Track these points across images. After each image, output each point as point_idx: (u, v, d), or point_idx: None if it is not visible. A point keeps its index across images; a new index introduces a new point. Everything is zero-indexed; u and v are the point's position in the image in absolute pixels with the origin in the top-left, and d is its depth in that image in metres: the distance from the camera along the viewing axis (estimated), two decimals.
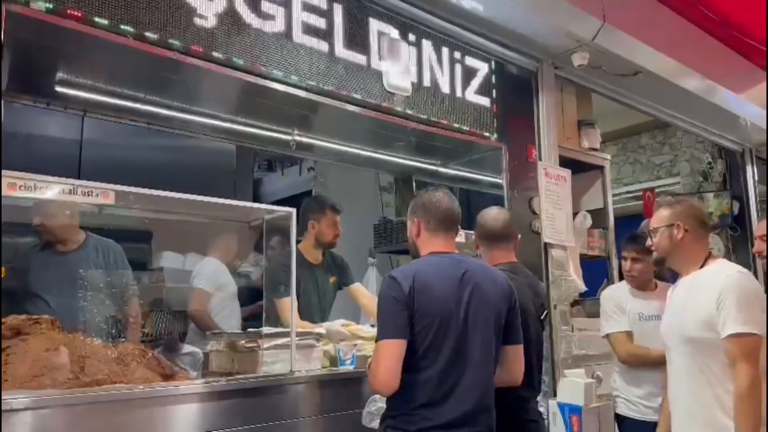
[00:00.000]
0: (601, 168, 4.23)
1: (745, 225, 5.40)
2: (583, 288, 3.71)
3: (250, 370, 2.42)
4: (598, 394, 3.48)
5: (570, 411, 3.07)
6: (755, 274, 5.24)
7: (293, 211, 2.44)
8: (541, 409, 2.77)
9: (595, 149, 4.12)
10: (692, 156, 5.84)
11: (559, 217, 3.52)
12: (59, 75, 2.46)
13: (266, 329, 2.55)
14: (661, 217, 2.28)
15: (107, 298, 2.97)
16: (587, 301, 4.09)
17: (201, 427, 2.02)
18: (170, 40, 2.27)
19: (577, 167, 4.19)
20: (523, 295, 2.36)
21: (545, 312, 2.55)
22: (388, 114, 2.97)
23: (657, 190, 6.19)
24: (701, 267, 2.18)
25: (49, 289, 2.81)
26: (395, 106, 2.98)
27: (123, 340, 2.83)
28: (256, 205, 2.42)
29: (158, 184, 3.21)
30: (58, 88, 2.51)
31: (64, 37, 2.12)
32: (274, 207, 2.46)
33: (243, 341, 2.53)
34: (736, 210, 5.36)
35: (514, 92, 3.63)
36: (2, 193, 1.75)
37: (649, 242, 2.31)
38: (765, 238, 2.58)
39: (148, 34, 2.21)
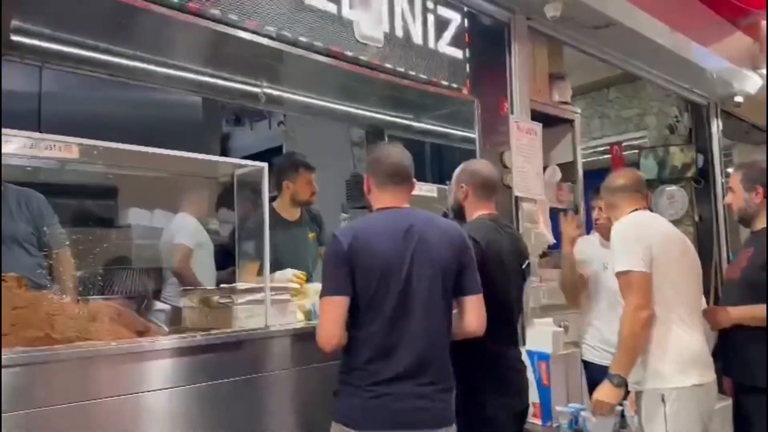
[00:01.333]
0: (571, 122, 4.25)
1: (708, 177, 5.52)
2: (551, 240, 3.77)
3: (224, 326, 2.41)
4: (565, 342, 3.61)
5: (539, 358, 3.18)
6: (718, 223, 5.41)
7: (265, 165, 2.39)
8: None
9: (565, 102, 4.13)
10: (660, 110, 5.90)
11: (529, 171, 3.54)
12: (14, 23, 2.33)
13: (240, 284, 2.54)
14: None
15: (34, 249, 2.82)
16: (554, 253, 4.18)
17: (175, 381, 2.01)
18: None
19: (548, 121, 4.20)
20: (507, 249, 2.42)
21: (527, 261, 2.58)
22: (358, 65, 2.91)
23: (624, 144, 6.28)
24: None
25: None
26: (366, 57, 2.93)
27: (58, 293, 2.69)
28: (226, 159, 2.39)
29: (122, 139, 3.12)
30: (14, 37, 2.38)
31: None
32: (245, 161, 2.40)
33: (216, 297, 2.52)
34: (700, 162, 5.47)
35: (487, 44, 3.60)
36: None
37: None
38: (732, 189, 2.64)
39: None
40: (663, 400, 2.17)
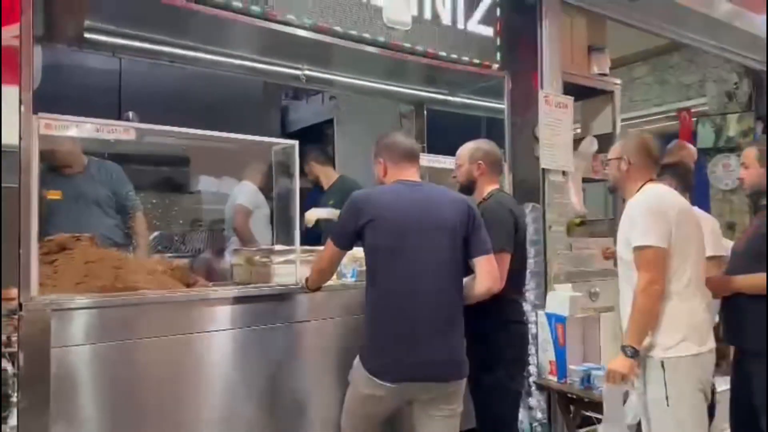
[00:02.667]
0: (611, 93, 4.31)
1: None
2: (582, 211, 3.92)
3: (264, 281, 2.81)
4: (595, 307, 3.78)
5: (556, 320, 3.40)
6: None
7: (295, 143, 2.73)
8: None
9: (604, 74, 4.19)
10: (719, 76, 5.75)
11: (558, 143, 3.69)
12: (87, 23, 2.76)
13: (278, 247, 2.93)
14: (613, 149, 2.55)
15: (112, 212, 3.23)
16: (591, 222, 4.31)
17: (215, 326, 2.43)
18: None
19: (587, 93, 4.30)
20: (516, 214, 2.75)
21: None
22: (387, 49, 3.16)
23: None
24: (636, 194, 2.41)
25: (60, 208, 2.98)
26: (395, 40, 3.17)
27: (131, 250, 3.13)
28: (259, 138, 2.69)
29: (195, 114, 3.56)
30: (87, 35, 2.82)
31: None
32: (279, 140, 2.76)
33: (257, 257, 2.92)
34: (759, 130, 5.33)
35: (520, 20, 3.72)
36: (41, 132, 2.09)
37: (600, 168, 2.56)
38: (746, 165, 2.71)
39: None
40: (663, 366, 2.28)
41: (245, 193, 4.17)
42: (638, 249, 2.29)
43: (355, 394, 2.31)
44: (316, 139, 5.15)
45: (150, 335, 2.24)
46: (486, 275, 2.35)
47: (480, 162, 2.79)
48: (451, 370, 2.23)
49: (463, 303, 2.33)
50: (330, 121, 4.92)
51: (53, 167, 3.05)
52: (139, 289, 2.30)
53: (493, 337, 2.59)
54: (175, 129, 2.81)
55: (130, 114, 3.90)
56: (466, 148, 2.83)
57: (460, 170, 2.84)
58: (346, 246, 2.32)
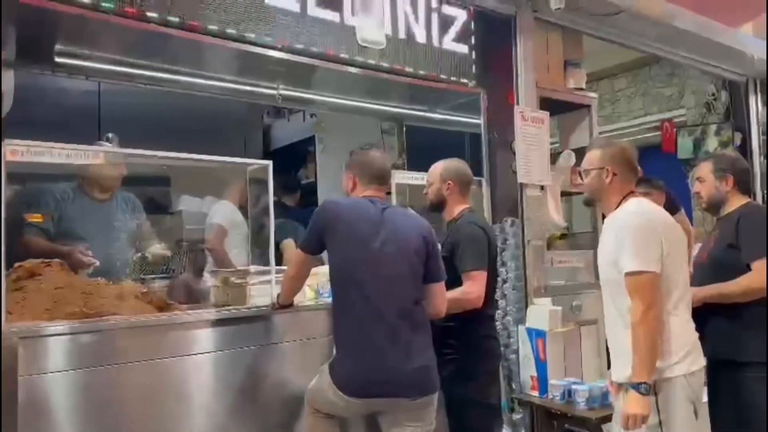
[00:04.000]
0: (588, 107, 4.35)
1: (746, 156, 5.42)
2: (561, 224, 3.93)
3: (240, 303, 2.79)
4: (580, 320, 3.78)
5: (536, 335, 3.40)
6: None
7: (269, 163, 2.74)
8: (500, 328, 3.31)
9: (580, 89, 4.23)
10: (698, 88, 5.82)
11: (534, 158, 3.71)
12: (57, 47, 2.76)
13: (253, 267, 2.91)
14: (591, 159, 2.40)
15: (135, 241, 3.35)
16: (573, 234, 4.34)
17: (187, 350, 2.40)
18: (149, 14, 2.53)
19: (566, 107, 4.34)
20: (489, 233, 2.80)
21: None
22: (361, 68, 3.18)
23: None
24: (617, 207, 2.31)
25: (88, 233, 3.03)
26: (368, 59, 3.19)
27: (152, 277, 3.24)
28: (234, 159, 2.71)
29: (178, 134, 3.56)
30: (58, 59, 2.82)
31: (53, 16, 2.40)
32: (253, 160, 2.77)
33: (233, 278, 2.90)
34: (737, 141, 5.38)
35: (494, 37, 3.77)
36: (5, 160, 2.08)
37: (579, 182, 2.51)
38: (702, 179, 2.74)
39: (127, 9, 2.47)
40: (654, 390, 2.16)
41: (222, 212, 4.14)
42: (631, 275, 2.13)
43: (320, 388, 2.36)
44: (297, 156, 5.16)
45: (119, 361, 2.22)
46: (439, 302, 2.39)
47: (450, 182, 2.84)
48: (415, 387, 2.23)
49: (430, 318, 2.35)
50: (310, 139, 4.94)
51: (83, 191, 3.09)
52: (108, 314, 2.28)
53: (466, 353, 2.60)
54: (146, 152, 2.80)
55: (110, 135, 3.90)
56: (437, 168, 2.88)
57: (431, 189, 2.88)
58: (312, 251, 2.35)
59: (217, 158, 2.69)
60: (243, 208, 4.17)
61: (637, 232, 2.17)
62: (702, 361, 2.28)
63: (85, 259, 2.81)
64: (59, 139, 2.25)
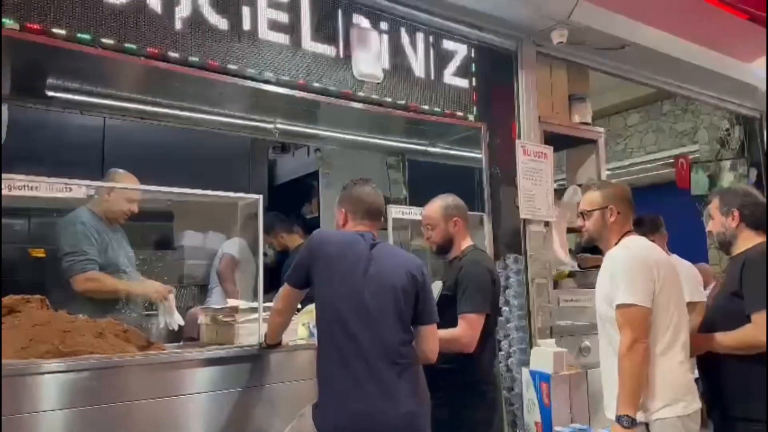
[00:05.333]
0: (594, 142, 4.26)
1: (763, 191, 5.27)
2: (566, 261, 3.81)
3: (228, 341, 2.71)
4: (583, 363, 3.62)
5: (540, 378, 3.24)
6: None
7: (260, 197, 2.68)
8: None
9: (586, 123, 4.15)
10: (711, 123, 5.71)
11: (538, 193, 3.62)
12: (49, 80, 2.76)
13: (242, 304, 2.83)
14: (592, 200, 2.40)
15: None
16: (578, 273, 4.19)
17: (167, 392, 2.31)
18: (126, 45, 2.49)
19: (572, 142, 4.26)
20: (494, 273, 2.71)
21: None
22: (359, 102, 3.14)
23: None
24: (616, 245, 2.29)
25: (124, 261, 3.10)
26: (365, 93, 3.15)
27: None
28: (227, 194, 2.66)
29: (179, 169, 3.56)
30: (49, 92, 2.82)
31: (38, 50, 2.39)
32: (244, 195, 2.71)
33: (221, 315, 2.82)
34: (753, 177, 5.24)
35: (496, 71, 3.72)
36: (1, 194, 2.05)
37: (580, 223, 2.43)
38: (711, 216, 2.60)
39: (106, 40, 2.43)
40: (648, 429, 2.16)
41: (235, 244, 4.34)
42: (621, 307, 2.17)
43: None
44: (301, 190, 5.12)
45: (94, 402, 2.13)
46: (430, 346, 2.28)
47: (456, 218, 2.72)
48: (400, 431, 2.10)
49: (420, 362, 2.24)
50: (314, 174, 4.90)
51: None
52: (86, 353, 2.20)
53: (462, 399, 2.47)
54: (140, 187, 2.82)
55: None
56: (436, 207, 2.74)
57: (435, 231, 2.73)
58: (298, 284, 2.25)
59: (208, 192, 2.64)
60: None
61: (630, 267, 2.19)
62: (697, 405, 2.23)
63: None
64: (64, 173, 2.27)
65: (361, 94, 3.14)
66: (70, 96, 2.94)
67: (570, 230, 4.01)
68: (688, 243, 4.32)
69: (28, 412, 2.02)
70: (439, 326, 2.35)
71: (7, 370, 2.01)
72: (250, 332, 2.69)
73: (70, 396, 2.11)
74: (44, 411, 2.04)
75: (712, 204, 2.59)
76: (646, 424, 2.17)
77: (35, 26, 2.28)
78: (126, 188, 2.97)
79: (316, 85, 3.00)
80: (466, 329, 2.50)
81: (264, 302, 2.62)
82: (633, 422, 2.10)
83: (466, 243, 2.75)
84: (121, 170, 3.09)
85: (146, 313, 2.97)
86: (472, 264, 2.63)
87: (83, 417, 2.12)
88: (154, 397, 2.27)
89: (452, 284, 2.61)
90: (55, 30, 2.32)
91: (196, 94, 3.22)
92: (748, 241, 2.52)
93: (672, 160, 6.18)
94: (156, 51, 2.54)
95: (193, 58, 2.63)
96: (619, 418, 2.11)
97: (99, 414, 2.14)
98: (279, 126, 3.40)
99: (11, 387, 2.00)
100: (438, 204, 2.74)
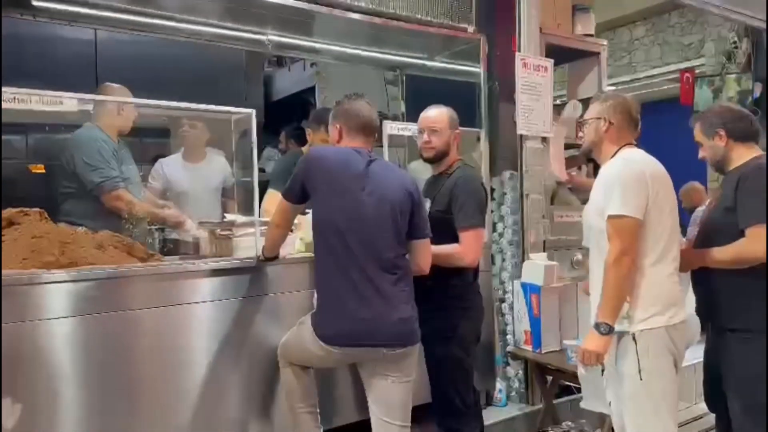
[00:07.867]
0: (597, 54, 4.16)
1: (766, 107, 5.19)
2: (561, 177, 3.81)
3: (227, 254, 2.77)
4: (573, 276, 3.70)
5: (531, 290, 3.34)
6: None
7: (252, 111, 2.66)
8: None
9: (589, 35, 4.04)
10: (719, 36, 5.54)
11: (537, 108, 3.57)
12: None
13: (240, 218, 2.87)
14: (591, 110, 2.38)
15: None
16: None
17: (167, 301, 2.39)
18: None
19: (574, 55, 4.16)
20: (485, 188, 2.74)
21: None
22: (352, 12, 3.04)
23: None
24: (612, 158, 2.28)
25: (135, 177, 3.17)
26: (364, 3, 3.05)
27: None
28: (219, 108, 2.63)
29: (176, 84, 3.49)
30: (36, 2, 2.74)
31: None
32: (238, 109, 2.69)
33: (218, 230, 2.87)
34: (756, 92, 5.14)
35: None
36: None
37: (581, 134, 2.43)
38: (699, 143, 2.56)
39: None
40: (634, 339, 2.19)
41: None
42: (612, 218, 2.17)
43: (300, 341, 2.35)
44: (299, 106, 5.06)
45: (95, 311, 2.21)
46: (422, 259, 2.35)
47: (458, 131, 2.68)
48: (397, 337, 2.21)
49: (414, 272, 2.31)
50: (311, 89, 4.82)
51: None
52: (86, 264, 2.26)
53: (453, 310, 2.55)
54: (129, 99, 2.79)
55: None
56: (444, 113, 2.64)
57: (439, 137, 2.62)
58: (295, 200, 2.29)
59: (200, 106, 2.63)
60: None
61: (624, 178, 2.17)
62: (683, 315, 2.26)
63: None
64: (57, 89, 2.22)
65: (357, 3, 3.04)
66: (57, 5, 2.84)
67: (568, 146, 4.00)
68: (691, 162, 4.30)
69: (29, 319, 2.10)
70: (433, 242, 2.39)
71: (10, 279, 2.08)
72: (249, 245, 2.75)
73: (73, 305, 2.19)
74: (48, 319, 2.13)
75: (696, 130, 2.54)
76: (633, 335, 2.20)
77: None
78: (117, 101, 2.93)
79: None
80: (469, 246, 2.52)
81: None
82: (611, 329, 2.15)
83: (455, 159, 2.71)
84: (115, 84, 3.05)
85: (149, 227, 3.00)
86: (470, 179, 2.62)
87: (86, 325, 2.21)
88: (156, 305, 2.35)
89: (446, 201, 2.58)
90: None
91: (185, 4, 3.12)
92: (741, 156, 2.49)
93: (677, 75, 6.06)
94: None
95: None
96: (597, 325, 2.17)
97: (101, 322, 2.23)
98: (272, 38, 3.30)
99: (13, 296, 2.07)
100: (445, 111, 2.66)
